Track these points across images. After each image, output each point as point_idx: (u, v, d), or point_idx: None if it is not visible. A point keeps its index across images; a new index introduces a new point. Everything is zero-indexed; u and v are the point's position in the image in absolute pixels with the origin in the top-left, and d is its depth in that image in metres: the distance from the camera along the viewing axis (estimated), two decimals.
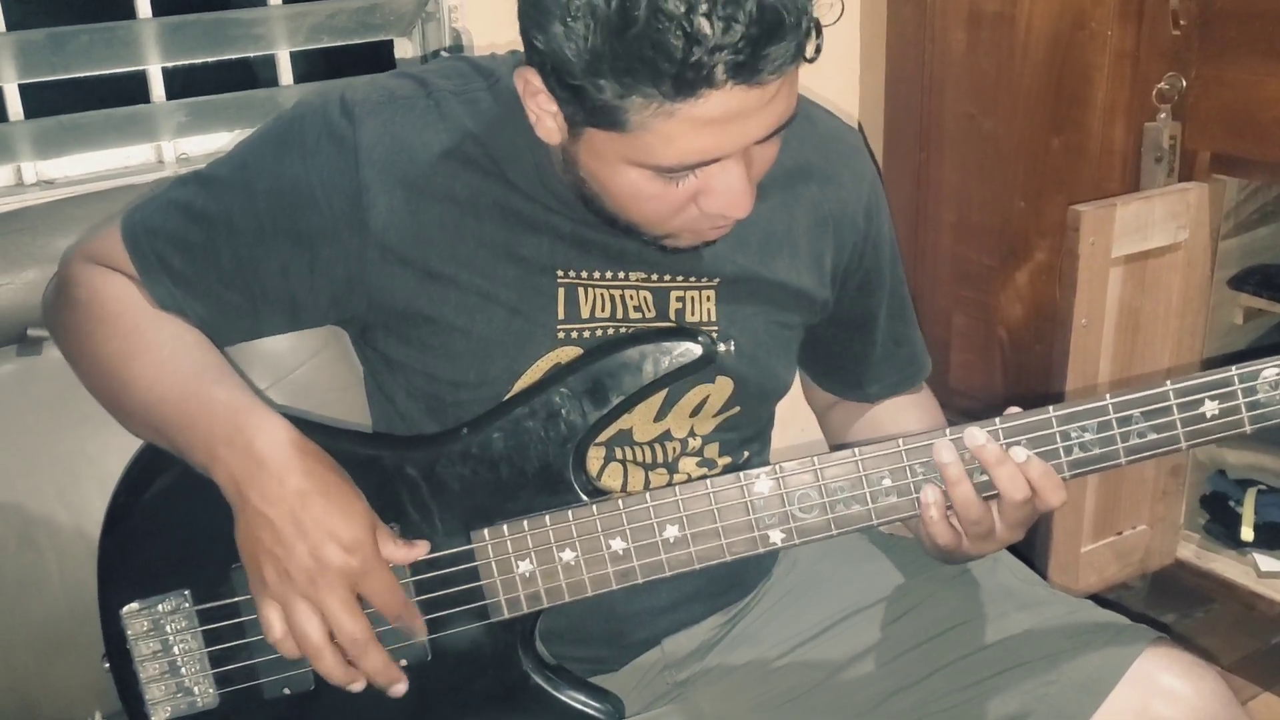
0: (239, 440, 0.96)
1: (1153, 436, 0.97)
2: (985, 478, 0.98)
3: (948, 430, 0.98)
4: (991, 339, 2.03)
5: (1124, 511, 1.87)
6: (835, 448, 1.30)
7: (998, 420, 0.98)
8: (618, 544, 1.02)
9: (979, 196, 1.98)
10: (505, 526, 1.03)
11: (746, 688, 1.16)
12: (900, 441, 0.99)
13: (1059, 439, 0.98)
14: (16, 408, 1.32)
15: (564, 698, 1.07)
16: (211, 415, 0.98)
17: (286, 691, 1.06)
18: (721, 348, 1.07)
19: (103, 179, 1.59)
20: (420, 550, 1.02)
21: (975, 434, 0.97)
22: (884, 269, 1.22)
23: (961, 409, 2.08)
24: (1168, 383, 0.96)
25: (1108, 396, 0.97)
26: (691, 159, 0.91)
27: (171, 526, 1.07)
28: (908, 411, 1.28)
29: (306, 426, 1.02)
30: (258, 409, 0.98)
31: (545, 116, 0.96)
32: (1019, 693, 1.07)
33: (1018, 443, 0.98)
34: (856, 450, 0.99)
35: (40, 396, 1.31)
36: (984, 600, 1.15)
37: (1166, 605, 2.01)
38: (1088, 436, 0.97)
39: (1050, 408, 0.97)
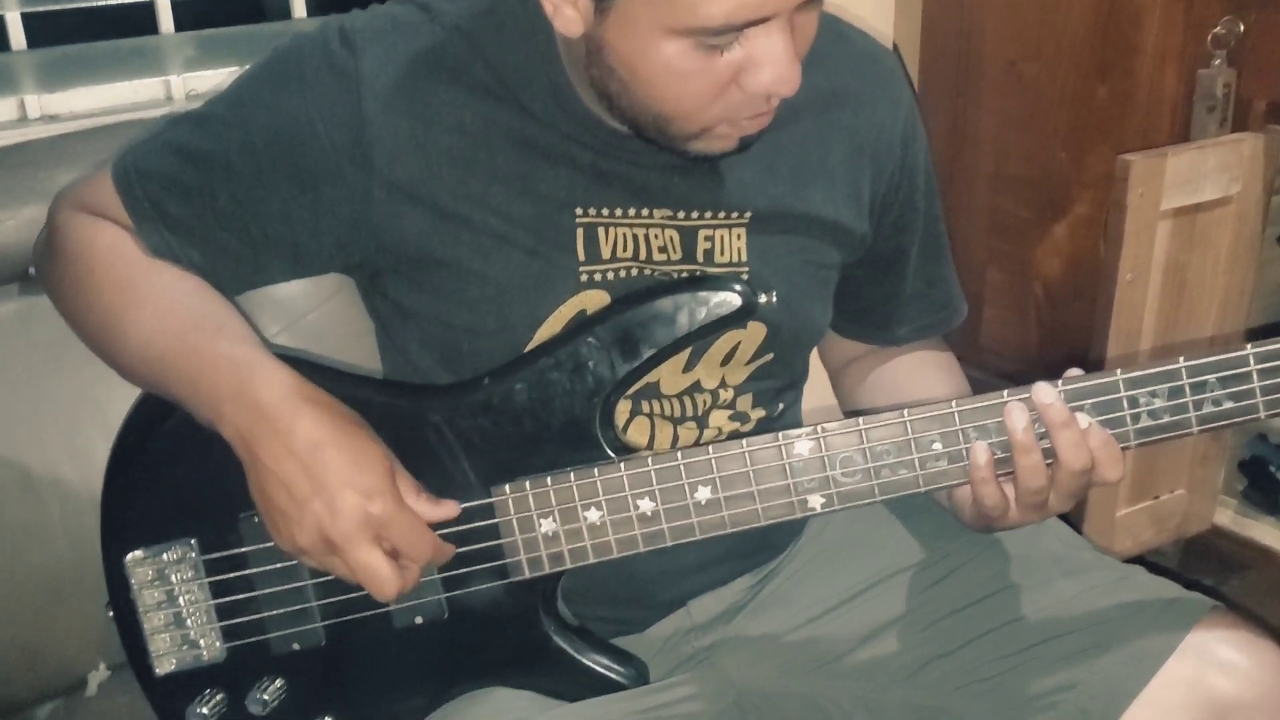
0: (244, 395, 0.91)
1: (1229, 405, 0.91)
2: (1043, 444, 0.92)
3: (1006, 392, 0.92)
4: (1027, 295, 1.97)
5: (1162, 475, 1.81)
6: (849, 413, 1.26)
7: (1060, 382, 0.92)
8: (646, 504, 0.97)
9: (1018, 146, 1.91)
10: (527, 483, 0.98)
11: (775, 653, 1.12)
12: (954, 403, 0.93)
13: (1126, 405, 0.92)
14: (18, 349, 1.28)
15: (586, 660, 1.04)
16: (214, 371, 0.93)
17: (296, 646, 1.03)
18: (763, 299, 1.01)
19: (108, 114, 1.53)
20: (447, 510, 0.97)
21: (1045, 391, 0.91)
22: (919, 203, 1.16)
23: (992, 367, 2.02)
24: (1248, 347, 0.90)
25: (1181, 360, 0.90)
26: (740, 16, 0.84)
27: (178, 473, 1.03)
28: (930, 372, 1.22)
29: (317, 372, 0.97)
30: (262, 361, 0.93)
31: (565, 5, 0.89)
32: (1065, 663, 1.02)
33: (1080, 408, 0.91)
34: (906, 411, 0.94)
35: (43, 338, 1.26)
36: (1028, 565, 1.10)
37: (1200, 571, 1.96)
38: (1157, 403, 0.91)
39: (1118, 371, 0.91)
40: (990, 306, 2.03)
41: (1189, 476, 1.85)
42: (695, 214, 1.04)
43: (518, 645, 1.03)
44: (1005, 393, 0.93)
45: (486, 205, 1.00)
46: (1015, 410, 0.91)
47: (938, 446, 0.94)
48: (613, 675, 1.04)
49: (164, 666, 1.03)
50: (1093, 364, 1.61)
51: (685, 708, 1.08)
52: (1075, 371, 0.94)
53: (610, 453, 0.99)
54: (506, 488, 0.98)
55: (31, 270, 1.24)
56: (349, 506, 0.90)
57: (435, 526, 0.97)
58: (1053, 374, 0.94)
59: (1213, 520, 1.90)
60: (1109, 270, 1.60)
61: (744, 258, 1.05)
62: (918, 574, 1.12)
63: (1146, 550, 1.87)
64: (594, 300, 1.02)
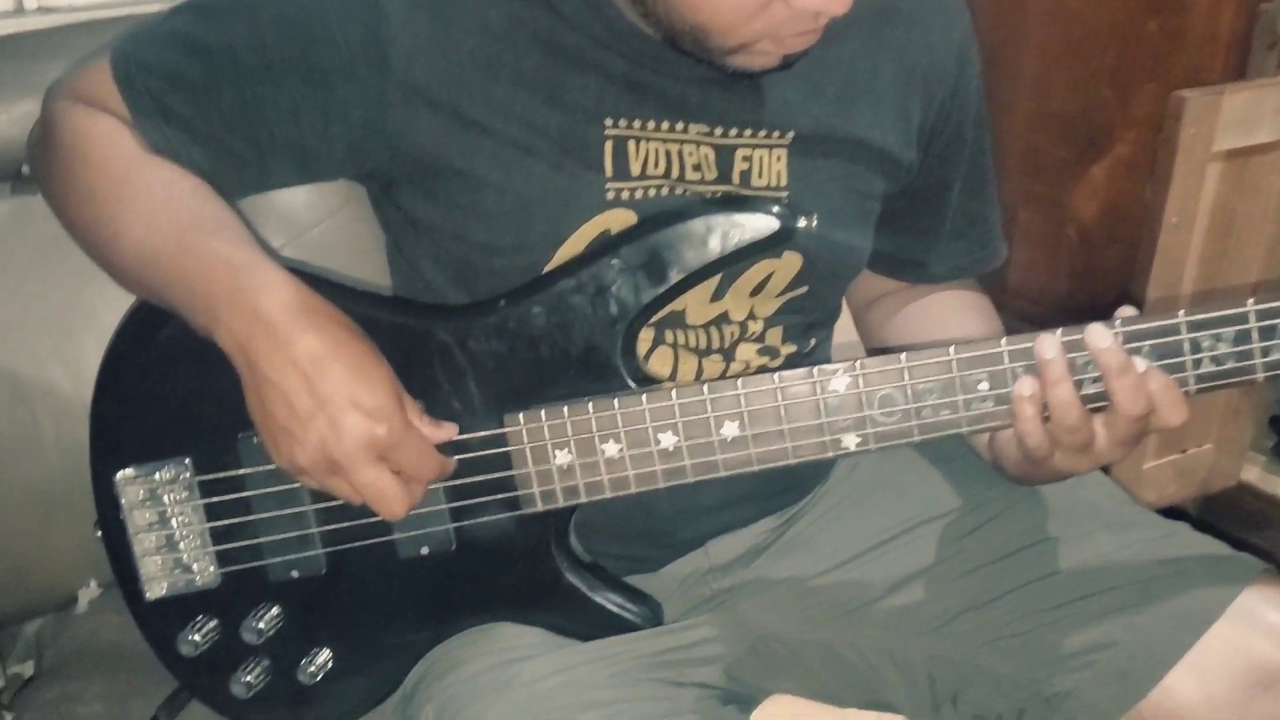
0: (242, 301, 0.85)
1: None
2: (1096, 388, 0.86)
3: (1060, 331, 0.86)
4: (1059, 238, 1.92)
5: (1190, 429, 1.77)
6: (872, 352, 1.19)
7: (1117, 321, 0.86)
8: (668, 439, 0.92)
9: (1060, 82, 1.85)
10: (543, 412, 0.93)
11: (796, 599, 1.08)
12: (1004, 340, 0.87)
13: (1188, 348, 0.85)
14: (10, 251, 1.23)
15: (598, 599, 0.99)
16: (210, 273, 0.87)
17: (294, 574, 0.98)
18: (802, 222, 0.94)
19: (107, 7, 1.46)
20: (447, 432, 0.92)
21: (1100, 334, 0.84)
22: (967, 133, 1.09)
23: (1017, 311, 1.96)
24: None
25: (1250, 303, 0.84)
26: None
27: (173, 387, 0.98)
28: (963, 314, 1.16)
29: (321, 285, 0.91)
30: (263, 265, 0.87)
31: None
32: (1103, 622, 0.98)
33: (1138, 350, 0.85)
34: (952, 348, 0.88)
35: (37, 240, 1.21)
36: (1067, 517, 1.05)
37: (1220, 527, 1.91)
38: (1221, 348, 0.85)
39: (1181, 311, 0.85)
40: (1019, 249, 1.97)
41: (1217, 431, 1.81)
42: (733, 131, 0.97)
43: (527, 580, 0.98)
44: (1059, 331, 0.87)
45: (509, 113, 0.93)
46: (1045, 341, 0.85)
47: (984, 386, 0.88)
48: (626, 615, 0.99)
49: (154, 591, 0.99)
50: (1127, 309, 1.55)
51: (701, 651, 1.04)
52: (1129, 310, 0.88)
53: (631, 383, 0.93)
54: (520, 416, 0.93)
55: (25, 169, 1.19)
56: (354, 427, 0.84)
57: (442, 453, 0.92)
58: (1082, 319, 0.88)
59: (1239, 476, 1.85)
60: (1153, 213, 1.53)
61: (783, 181, 0.99)
62: (951, 522, 1.07)
63: (1169, 504, 1.83)
64: (619, 220, 0.96)
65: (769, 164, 0.98)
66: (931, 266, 1.16)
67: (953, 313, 1.16)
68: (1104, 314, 0.88)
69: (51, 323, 1.22)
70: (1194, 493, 1.85)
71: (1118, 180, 1.80)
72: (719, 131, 0.97)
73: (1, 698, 1.30)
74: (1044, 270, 1.96)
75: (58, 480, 1.22)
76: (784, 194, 0.99)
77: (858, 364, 0.89)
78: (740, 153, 0.98)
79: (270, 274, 0.87)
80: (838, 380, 0.89)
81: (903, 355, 0.88)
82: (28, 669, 1.36)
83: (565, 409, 0.92)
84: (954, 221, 1.14)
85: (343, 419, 0.84)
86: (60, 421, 1.22)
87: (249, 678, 0.98)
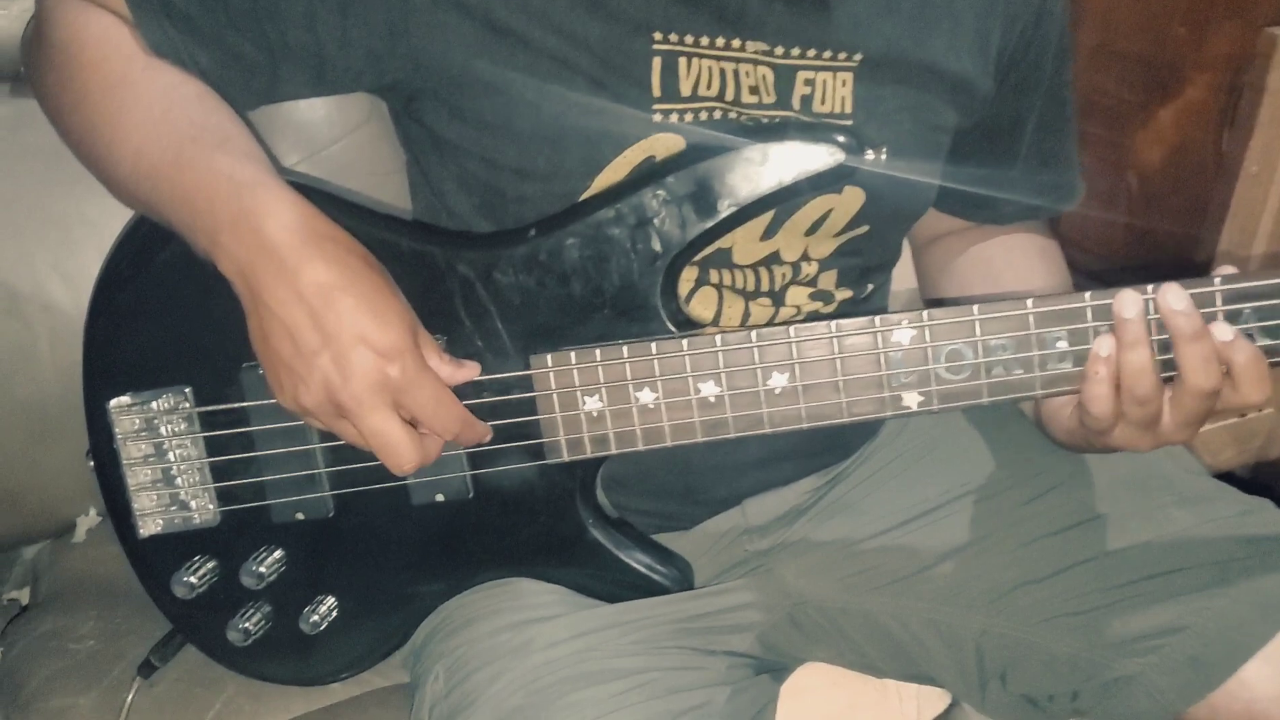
0: (245, 222, 0.77)
1: None
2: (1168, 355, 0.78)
3: (1150, 287, 0.78)
4: (1118, 185, 1.81)
5: None
6: (929, 302, 1.13)
7: (1217, 279, 0.77)
8: (709, 389, 0.84)
9: (1129, 19, 1.73)
10: (572, 354, 0.86)
11: (838, 564, 1.01)
12: (1088, 295, 0.79)
13: None
14: (6, 157, 1.18)
15: (624, 557, 0.93)
16: (212, 190, 0.79)
17: (299, 516, 0.93)
18: (870, 155, 0.85)
19: None
20: (469, 371, 0.84)
21: (1174, 294, 0.77)
22: (1046, 65, 1.01)
23: (1069, 261, 1.87)
24: None
25: None
26: None
27: (174, 310, 0.91)
28: (1030, 260, 1.08)
29: (335, 205, 0.84)
30: (269, 184, 0.79)
31: None
32: (1174, 603, 0.91)
33: (1238, 314, 0.77)
34: (1030, 301, 0.79)
35: (36, 146, 1.14)
36: (1137, 489, 0.98)
37: (1275, 493, 1.84)
38: None
39: None
40: None
41: (1278, 395, 1.71)
42: (796, 51, 0.89)
43: (549, 534, 0.92)
44: (1150, 288, 0.78)
45: (547, 21, 0.85)
46: (1126, 299, 0.78)
47: (1062, 344, 0.80)
48: (654, 576, 0.93)
49: (149, 528, 0.93)
50: (1197, 267, 1.46)
51: (733, 618, 0.97)
52: (1228, 269, 0.79)
53: (670, 326, 0.86)
54: (548, 358, 0.86)
55: (24, 69, 1.11)
56: (364, 365, 0.77)
57: (460, 393, 0.85)
58: (1138, 272, 0.79)
59: None
60: (1231, 161, 1.43)
61: (848, 108, 0.90)
62: (1009, 489, 1.00)
63: (1221, 470, 1.75)
64: (666, 145, 0.88)
65: (833, 88, 0.90)
66: (1000, 206, 1.08)
67: (1019, 260, 1.08)
68: (1163, 268, 0.79)
69: (50, 234, 1.17)
70: (1249, 459, 1.77)
71: (1185, 125, 1.70)
72: (779, 50, 0.88)
73: None
74: (1100, 220, 1.87)
75: (55, 401, 1.18)
76: (848, 122, 0.91)
77: (925, 314, 0.81)
78: (802, 75, 0.89)
79: (277, 194, 0.79)
80: (901, 332, 0.82)
81: (975, 307, 0.80)
82: (24, 596, 1.32)
83: (597, 351, 0.85)
84: (1027, 160, 1.06)
85: (350, 357, 0.77)
86: (58, 339, 1.17)
87: (247, 624, 0.93)
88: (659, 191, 0.84)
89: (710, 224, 0.84)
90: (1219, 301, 0.78)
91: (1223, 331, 0.77)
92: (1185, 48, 1.67)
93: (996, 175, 1.06)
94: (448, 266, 0.87)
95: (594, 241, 0.85)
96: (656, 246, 0.85)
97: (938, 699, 1.11)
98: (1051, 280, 1.07)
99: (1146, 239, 1.81)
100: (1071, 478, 0.99)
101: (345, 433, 0.81)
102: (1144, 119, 1.75)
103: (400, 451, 0.80)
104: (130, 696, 1.01)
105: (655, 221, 0.84)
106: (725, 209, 0.84)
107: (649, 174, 0.85)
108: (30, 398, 1.17)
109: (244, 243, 0.77)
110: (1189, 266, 1.71)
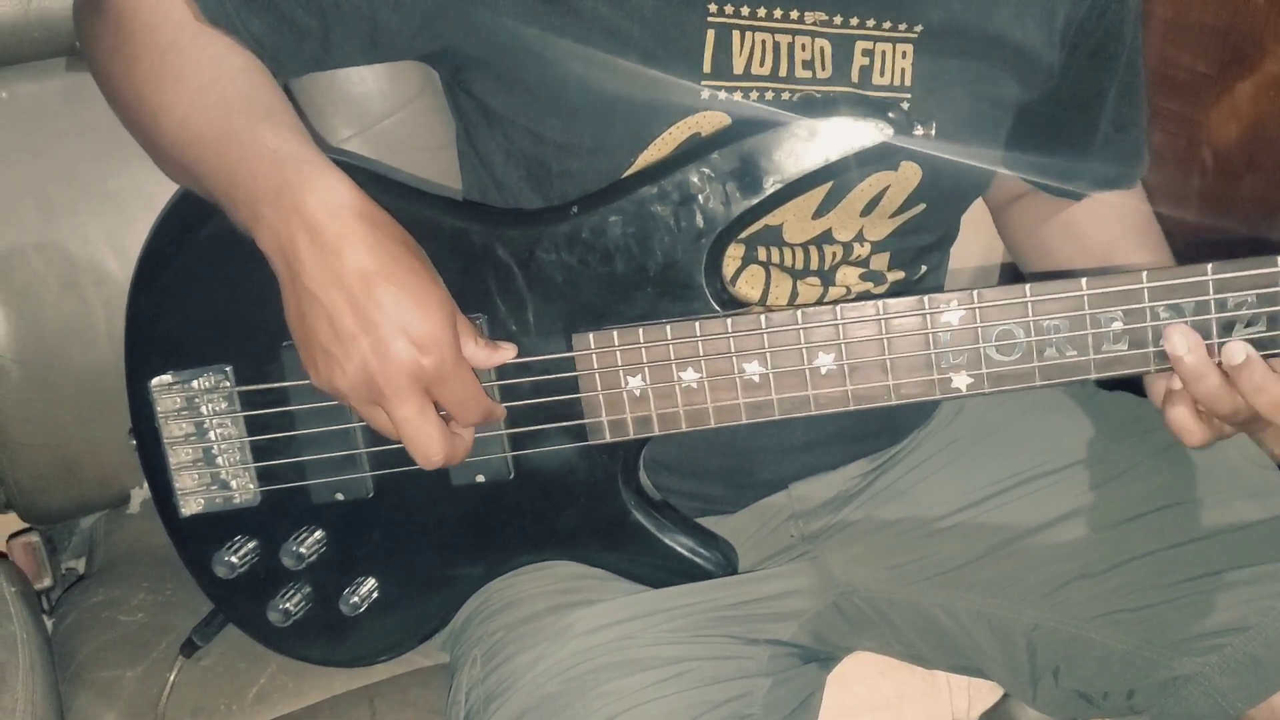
0: (286, 198, 0.76)
1: None
2: (1256, 332, 0.75)
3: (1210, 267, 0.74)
4: (1190, 161, 1.75)
5: None
6: (1012, 275, 1.08)
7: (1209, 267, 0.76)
8: (754, 369, 0.82)
9: None
10: (615, 333, 0.84)
11: (887, 552, 0.99)
12: (1144, 274, 0.76)
13: None
14: (63, 132, 1.18)
15: (667, 540, 0.92)
16: (255, 163, 0.78)
17: (339, 497, 0.92)
18: (919, 130, 0.82)
19: None
20: (506, 354, 0.83)
21: (1176, 341, 0.76)
22: (1125, 33, 0.97)
23: None
24: None
25: None
26: None
27: (216, 288, 0.91)
28: (1116, 220, 1.06)
29: (379, 185, 0.83)
30: (313, 160, 0.78)
31: None
32: (1237, 599, 0.88)
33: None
34: (1084, 281, 0.76)
35: (92, 120, 1.16)
36: (1201, 480, 0.95)
37: None
38: None
39: None
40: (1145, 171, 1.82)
41: None
42: (854, 21, 0.86)
43: (590, 516, 0.91)
44: (1209, 267, 0.76)
45: None
46: (1175, 335, 0.77)
47: (1118, 325, 0.78)
48: (697, 560, 0.92)
49: (190, 507, 0.93)
50: (1273, 245, 1.41)
51: (778, 605, 0.96)
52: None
53: (715, 305, 0.84)
54: (590, 337, 0.85)
55: (77, 38, 1.11)
56: (401, 354, 0.76)
57: (502, 372, 0.84)
58: (1211, 251, 0.79)
59: None
60: None
61: (907, 81, 0.87)
62: (1066, 479, 0.98)
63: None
64: (712, 122, 0.86)
65: (892, 60, 0.87)
66: (1072, 180, 1.05)
67: (1107, 220, 1.06)
68: (1236, 246, 0.76)
69: (106, 209, 1.18)
70: None
71: (1264, 100, 1.63)
72: (839, 20, 0.86)
73: (51, 595, 1.28)
74: (1171, 196, 1.80)
75: (111, 373, 1.16)
76: (906, 96, 0.88)
77: (975, 294, 0.79)
78: (860, 46, 0.86)
79: (320, 170, 0.77)
80: (951, 312, 0.79)
81: (1026, 286, 0.78)
82: (81, 565, 1.34)
83: (640, 331, 0.84)
84: (1105, 130, 1.03)
85: (389, 346, 0.75)
86: (113, 312, 1.17)
87: (288, 605, 0.92)
88: (703, 168, 0.82)
89: (755, 201, 0.82)
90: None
91: (1236, 353, 0.76)
92: (1266, 18, 1.61)
93: (1077, 148, 1.03)
94: (489, 245, 0.85)
95: (637, 218, 0.84)
96: (700, 223, 0.83)
97: (989, 691, 1.08)
98: (1150, 242, 1.04)
99: (1221, 217, 1.75)
100: (1132, 467, 0.96)
101: (377, 419, 0.80)
102: (1219, 93, 1.69)
103: (429, 445, 0.79)
104: (173, 676, 1.02)
105: (699, 198, 0.82)
106: (770, 186, 0.81)
107: (694, 150, 0.83)
108: (86, 370, 1.17)
109: (284, 218, 0.76)
110: (1265, 244, 1.65)
